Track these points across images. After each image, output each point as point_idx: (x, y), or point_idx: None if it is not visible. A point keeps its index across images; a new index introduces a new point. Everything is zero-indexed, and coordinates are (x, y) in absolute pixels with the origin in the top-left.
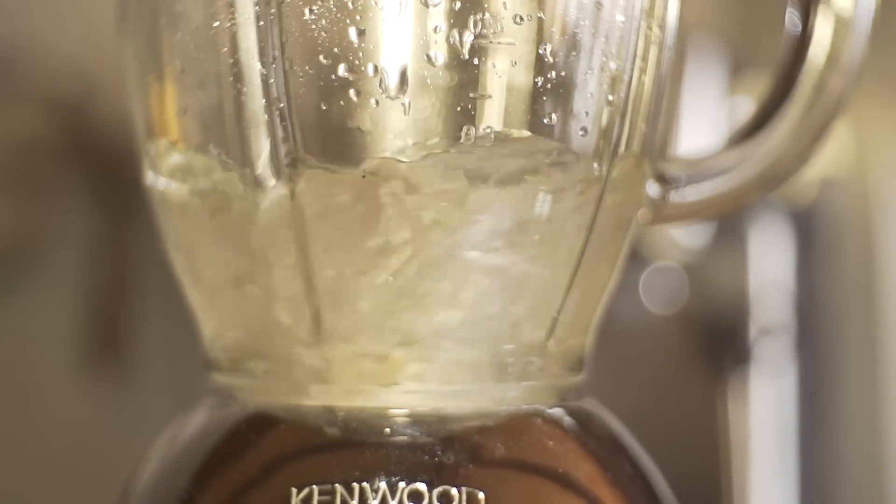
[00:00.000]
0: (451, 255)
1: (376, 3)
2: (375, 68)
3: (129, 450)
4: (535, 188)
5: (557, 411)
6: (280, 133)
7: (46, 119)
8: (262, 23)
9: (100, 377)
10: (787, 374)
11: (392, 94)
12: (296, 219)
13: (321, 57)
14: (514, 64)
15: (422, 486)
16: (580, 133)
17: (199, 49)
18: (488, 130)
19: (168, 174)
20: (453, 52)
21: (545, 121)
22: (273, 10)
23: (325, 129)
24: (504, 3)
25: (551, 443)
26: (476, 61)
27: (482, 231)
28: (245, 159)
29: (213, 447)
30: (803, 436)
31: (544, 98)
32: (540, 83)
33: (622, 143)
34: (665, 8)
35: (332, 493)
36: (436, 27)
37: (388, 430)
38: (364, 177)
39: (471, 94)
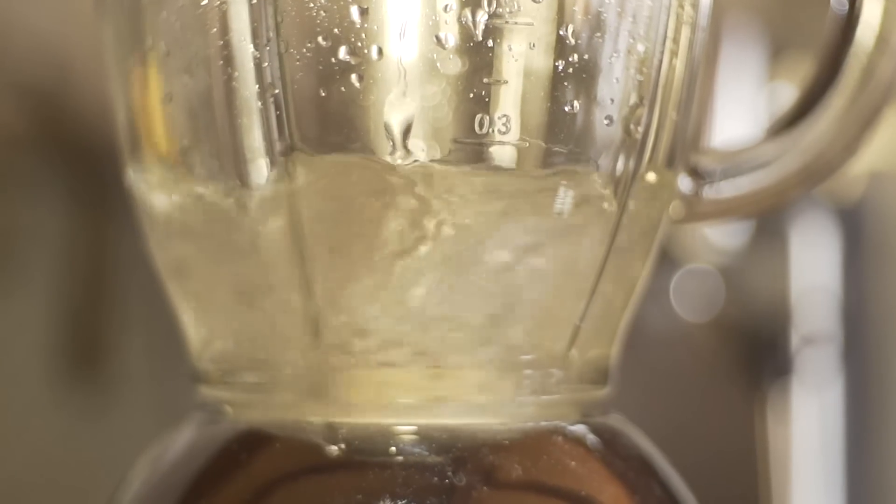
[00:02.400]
0: (462, 256)
1: None
2: (380, 51)
3: (108, 471)
4: (554, 186)
5: (580, 428)
6: (275, 122)
7: (16, 106)
8: (254, 1)
9: (76, 391)
10: (833, 388)
11: (398, 80)
12: (292, 218)
13: (320, 38)
14: (532, 46)
15: None
16: (605, 122)
17: (186, 30)
18: (504, 119)
19: (152, 170)
20: (465, 33)
21: (566, 108)
22: None
23: (325, 119)
24: None
25: (573, 463)
26: (490, 43)
27: (496, 231)
28: (236, 151)
29: (202, 468)
30: (849, 454)
31: (565, 84)
32: (560, 67)
33: (651, 133)
34: None
35: None
36: (446, 6)
37: (393, 448)
38: (367, 173)
39: (485, 80)
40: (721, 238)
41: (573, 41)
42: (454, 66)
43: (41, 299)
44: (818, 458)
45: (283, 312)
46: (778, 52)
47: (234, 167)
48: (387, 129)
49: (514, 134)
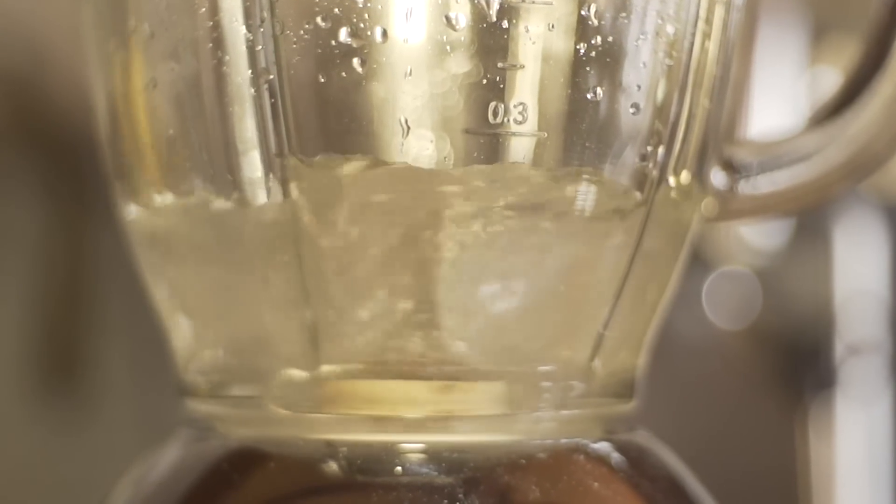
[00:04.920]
0: (474, 260)
1: None
2: (384, 33)
3: (87, 492)
4: (575, 182)
5: (603, 446)
6: (269, 111)
7: None
8: None
9: (51, 405)
10: (880, 401)
11: (404, 64)
12: (288, 217)
13: (319, 19)
14: (551, 27)
15: None
16: (631, 111)
17: (172, 10)
18: (520, 107)
19: (135, 164)
20: (478, 13)
21: (588, 96)
22: None
23: (324, 106)
24: None
25: (596, 484)
26: (505, 24)
27: (510, 233)
28: (227, 143)
29: (189, 489)
30: None
31: (587, 69)
32: (582, 51)
33: (681, 122)
34: None
35: None
36: None
37: (399, 468)
38: (372, 168)
39: (499, 65)
40: (758, 238)
41: (596, 22)
42: (466, 49)
43: (13, 305)
44: (864, 477)
45: (279, 319)
46: (821, 33)
47: (225, 160)
48: (392, 118)
49: (531, 124)
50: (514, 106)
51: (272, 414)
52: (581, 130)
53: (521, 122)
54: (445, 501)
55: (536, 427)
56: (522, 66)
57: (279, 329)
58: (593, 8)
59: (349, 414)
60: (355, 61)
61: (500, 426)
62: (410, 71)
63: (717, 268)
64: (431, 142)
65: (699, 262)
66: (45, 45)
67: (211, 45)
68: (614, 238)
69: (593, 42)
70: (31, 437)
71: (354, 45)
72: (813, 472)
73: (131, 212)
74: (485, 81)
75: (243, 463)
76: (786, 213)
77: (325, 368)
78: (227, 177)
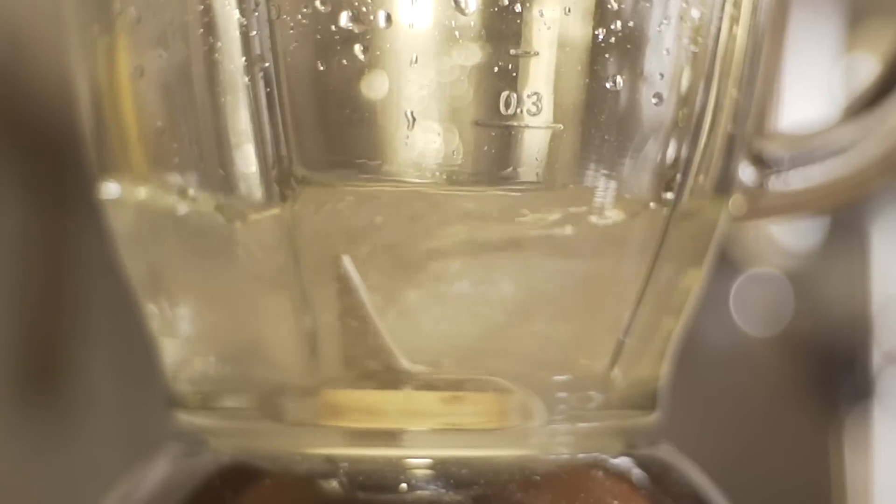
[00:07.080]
0: (485, 262)
1: None
2: (388, 17)
3: None
4: (593, 179)
5: (624, 461)
6: (264, 101)
7: None
8: None
9: (31, 417)
10: None
11: (409, 51)
12: (286, 216)
13: (318, 2)
14: (567, 12)
15: None
16: (653, 101)
17: None
18: (534, 97)
19: (121, 159)
20: None
21: (607, 85)
22: None
23: (323, 97)
24: None
25: (616, 502)
26: (518, 8)
27: (526, 231)
28: (219, 136)
29: None
30: None
31: (607, 56)
32: (601, 36)
33: (707, 113)
34: None
35: None
36: None
37: (404, 485)
38: (374, 162)
39: (512, 51)
40: (790, 237)
41: (616, 6)
42: (476, 34)
43: None
44: None
45: (275, 326)
46: (857, 18)
47: (217, 154)
48: (396, 109)
49: (545, 115)
50: (528, 96)
51: (268, 427)
52: (600, 122)
53: (535, 114)
54: None
55: (552, 441)
56: (537, 54)
57: (276, 336)
58: None
59: (350, 427)
60: (357, 48)
61: (512, 440)
62: (416, 58)
63: (746, 270)
64: (439, 135)
65: (727, 264)
66: (24, 30)
67: (202, 30)
68: (635, 239)
69: (613, 27)
70: (8, 452)
71: (356, 31)
72: (848, 489)
73: (116, 210)
74: (496, 70)
75: (237, 479)
76: (819, 210)
77: (325, 378)
78: (220, 172)
